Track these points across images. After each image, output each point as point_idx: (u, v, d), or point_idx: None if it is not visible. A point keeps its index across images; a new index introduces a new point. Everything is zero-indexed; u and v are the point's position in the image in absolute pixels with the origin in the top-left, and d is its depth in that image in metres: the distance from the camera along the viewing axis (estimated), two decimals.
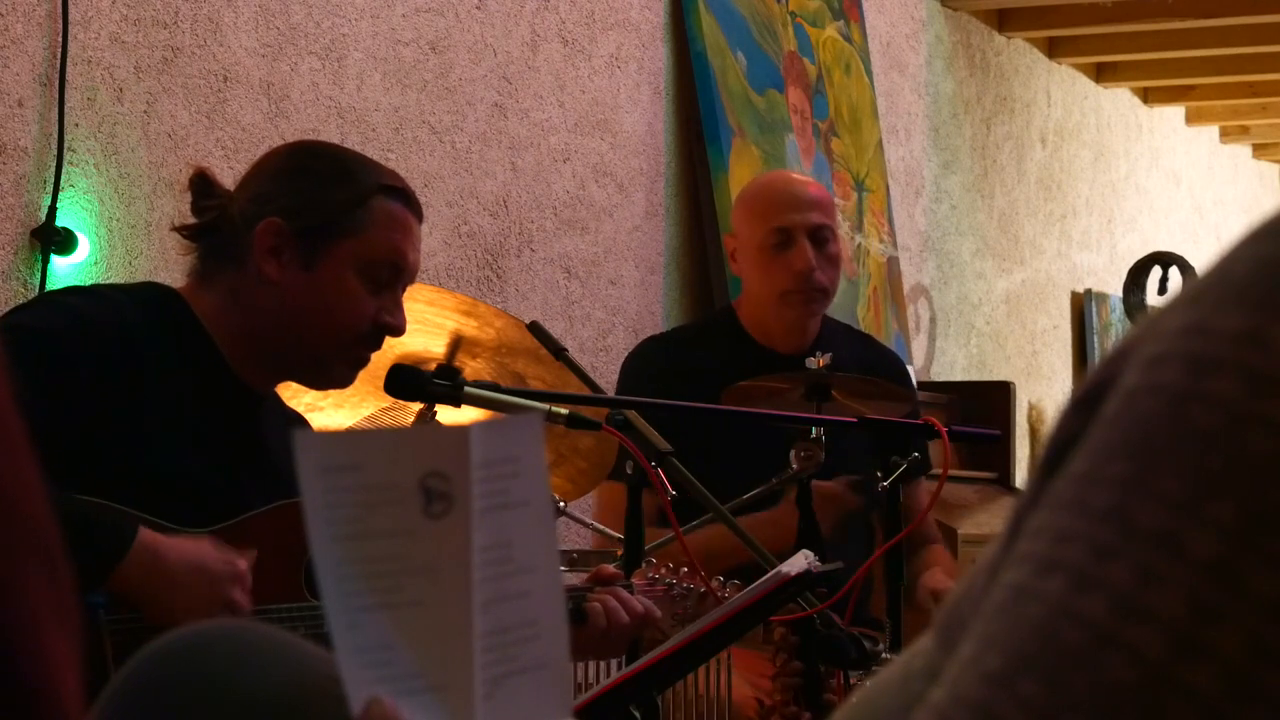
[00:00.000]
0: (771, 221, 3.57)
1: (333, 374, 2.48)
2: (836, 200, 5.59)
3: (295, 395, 2.73)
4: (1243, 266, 0.75)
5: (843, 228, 5.63)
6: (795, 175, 3.93)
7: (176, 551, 2.17)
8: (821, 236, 3.57)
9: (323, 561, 1.00)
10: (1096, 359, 7.60)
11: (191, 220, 2.47)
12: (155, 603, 2.14)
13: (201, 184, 2.47)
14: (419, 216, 2.50)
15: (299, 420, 2.63)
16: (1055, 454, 0.78)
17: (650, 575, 2.51)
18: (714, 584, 2.52)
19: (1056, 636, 0.72)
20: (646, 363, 3.63)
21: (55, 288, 3.15)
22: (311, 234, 2.41)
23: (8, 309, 2.74)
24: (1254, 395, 0.72)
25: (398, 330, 2.47)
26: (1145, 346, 0.76)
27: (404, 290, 2.49)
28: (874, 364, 3.62)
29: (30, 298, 3.05)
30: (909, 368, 5.69)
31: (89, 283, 3.17)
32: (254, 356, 2.43)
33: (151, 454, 2.28)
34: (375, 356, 2.77)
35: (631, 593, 2.44)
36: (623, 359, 3.76)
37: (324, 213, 2.42)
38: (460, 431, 1.00)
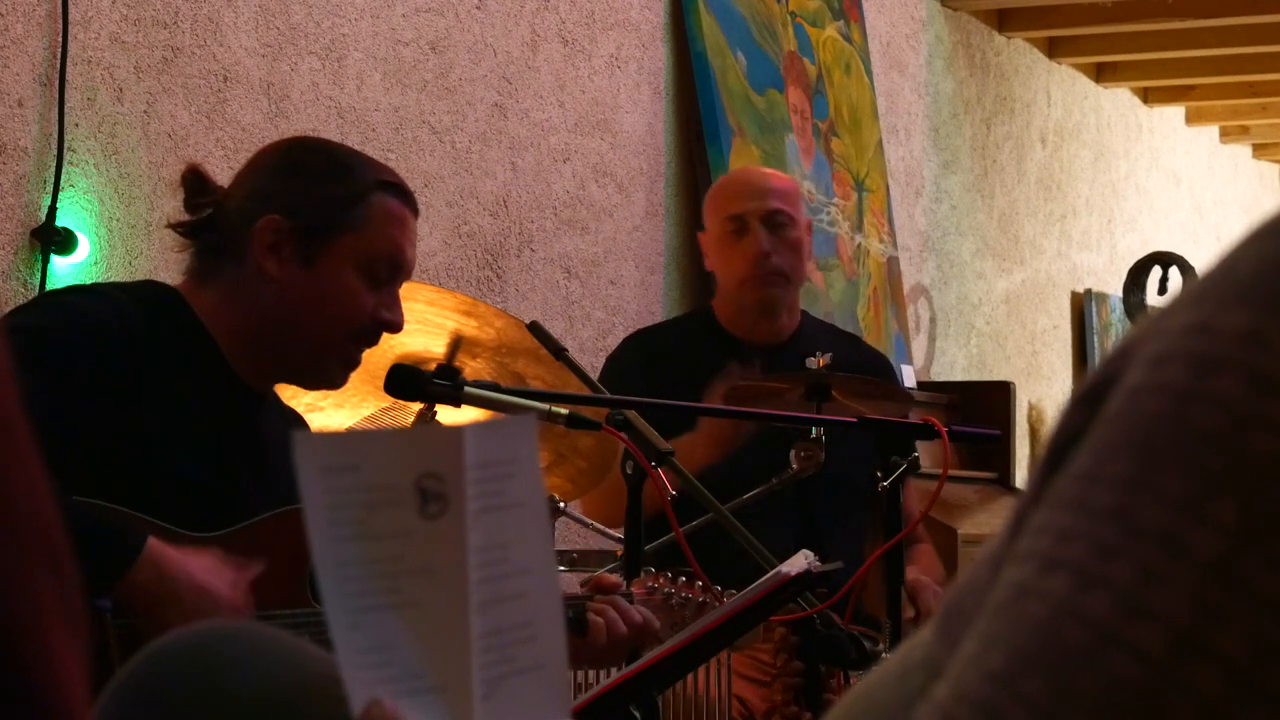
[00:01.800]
0: (727, 210, 3.66)
1: (328, 373, 2.48)
2: (836, 200, 5.59)
3: (295, 395, 2.73)
4: (1246, 265, 0.75)
5: (842, 227, 5.63)
6: (757, 168, 3.99)
7: (182, 568, 2.16)
8: (777, 221, 3.62)
9: (323, 562, 1.00)
10: (1096, 359, 7.59)
11: (186, 217, 2.47)
12: (154, 617, 2.13)
13: (195, 181, 2.46)
14: (415, 212, 2.50)
15: (298, 420, 2.63)
16: (1057, 452, 0.78)
17: (649, 584, 2.50)
18: (714, 591, 2.51)
19: (1059, 635, 0.72)
20: (625, 358, 3.69)
21: (55, 287, 3.15)
22: (312, 231, 2.41)
23: (8, 309, 2.74)
24: (1257, 395, 0.72)
25: (396, 326, 2.47)
26: (1148, 345, 0.76)
27: (400, 286, 2.49)
28: (860, 365, 3.58)
29: (30, 298, 3.04)
30: (908, 368, 5.69)
31: (88, 283, 3.17)
32: (253, 355, 2.43)
33: (154, 453, 2.28)
34: (375, 356, 2.76)
35: (631, 602, 2.44)
36: None
37: (324, 210, 2.41)
38: (455, 432, 1.00)
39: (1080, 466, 0.76)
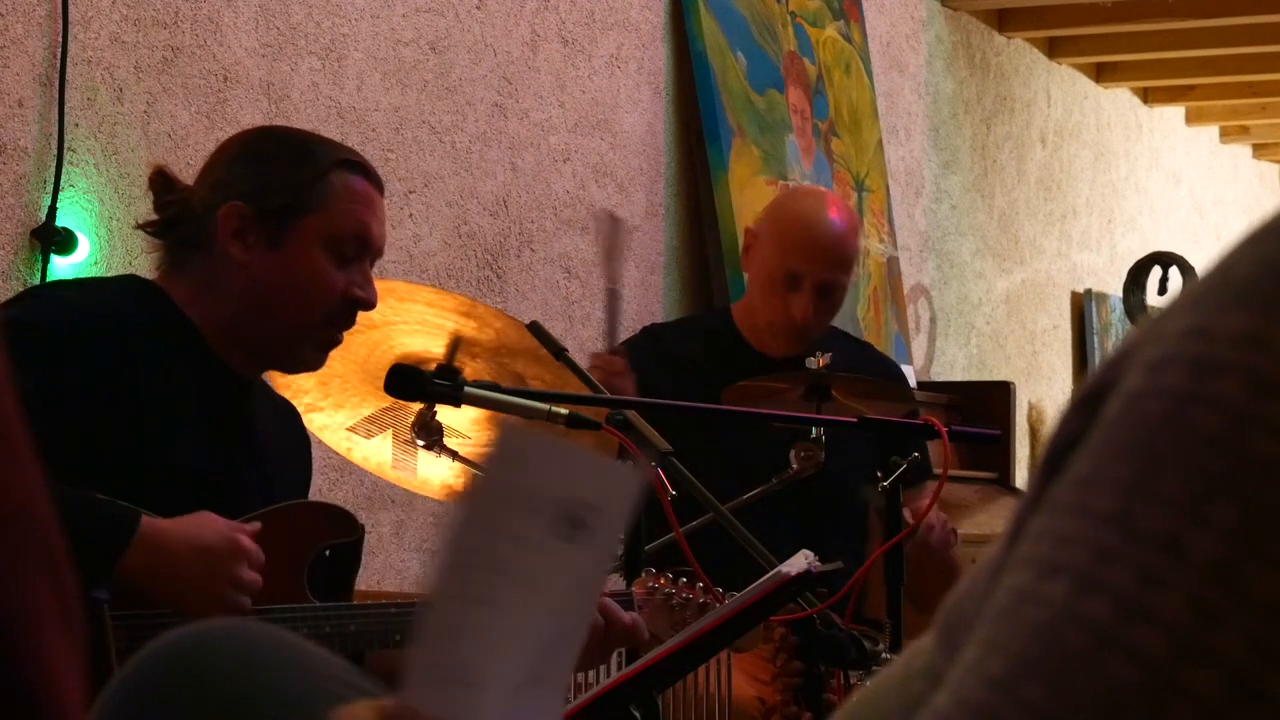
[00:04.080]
0: (787, 261, 3.57)
1: (304, 355, 2.48)
2: None
3: (295, 396, 2.73)
4: (1244, 268, 0.75)
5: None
6: (833, 218, 3.65)
7: (179, 535, 2.16)
8: (827, 289, 3.57)
9: (451, 538, 1.02)
10: (1097, 359, 7.57)
11: (154, 218, 2.48)
12: (161, 591, 2.14)
13: (162, 181, 2.48)
14: (380, 190, 2.50)
15: (287, 406, 2.63)
16: (1056, 456, 0.78)
17: (650, 585, 2.50)
18: (715, 592, 2.51)
19: (1059, 639, 0.72)
20: (635, 351, 3.65)
21: (43, 282, 3.15)
22: (274, 214, 2.41)
23: None
24: (1256, 397, 0.72)
25: (369, 303, 2.47)
26: (1147, 349, 0.76)
27: (372, 264, 2.48)
28: (871, 372, 3.59)
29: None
30: (908, 368, 5.69)
31: (74, 277, 3.17)
32: (233, 343, 2.44)
33: (150, 444, 2.29)
34: (375, 357, 2.76)
35: (632, 603, 2.44)
36: None
37: (284, 192, 2.42)
38: (627, 472, 1.04)
39: (1079, 471, 0.76)
